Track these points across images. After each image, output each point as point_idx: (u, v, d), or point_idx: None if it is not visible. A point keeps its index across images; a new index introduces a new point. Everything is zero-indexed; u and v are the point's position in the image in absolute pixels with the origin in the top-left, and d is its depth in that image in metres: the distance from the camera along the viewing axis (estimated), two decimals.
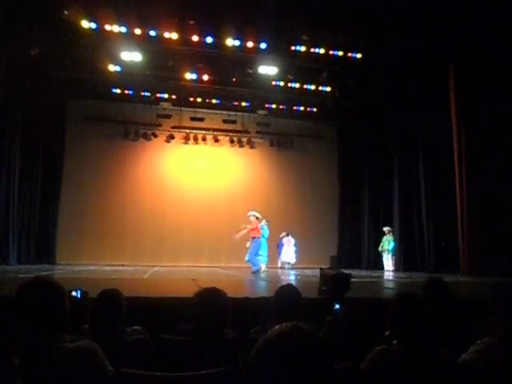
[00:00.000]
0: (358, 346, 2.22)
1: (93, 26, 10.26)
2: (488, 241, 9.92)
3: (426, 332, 1.98)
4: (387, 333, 2.43)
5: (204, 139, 14.99)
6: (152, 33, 10.57)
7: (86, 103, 13.84)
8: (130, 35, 10.59)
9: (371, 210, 14.49)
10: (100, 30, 10.38)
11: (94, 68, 11.85)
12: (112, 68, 12.00)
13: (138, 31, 10.49)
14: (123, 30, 10.43)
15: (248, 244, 10.68)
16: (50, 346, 1.63)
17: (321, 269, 5.19)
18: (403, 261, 12.60)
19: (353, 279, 4.88)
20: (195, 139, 14.92)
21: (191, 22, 10.38)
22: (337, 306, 2.86)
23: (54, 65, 11.63)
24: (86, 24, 10.17)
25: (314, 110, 14.78)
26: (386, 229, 13.07)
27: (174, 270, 11.33)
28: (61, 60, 11.41)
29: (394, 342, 2.11)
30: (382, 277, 10.67)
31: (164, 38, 10.66)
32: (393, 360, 1.91)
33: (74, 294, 2.88)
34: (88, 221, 13.65)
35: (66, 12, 9.88)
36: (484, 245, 9.90)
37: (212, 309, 2.47)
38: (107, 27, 10.34)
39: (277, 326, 0.96)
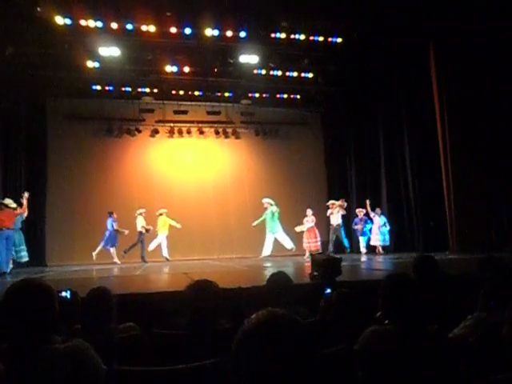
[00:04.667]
0: (351, 329, 2.24)
1: (67, 21, 10.01)
2: (475, 218, 10.08)
3: (416, 310, 2.00)
4: (379, 313, 2.45)
5: (189, 132, 14.86)
6: (129, 26, 10.37)
7: (66, 101, 13.55)
8: (106, 30, 10.36)
9: (359, 194, 14.56)
10: (75, 26, 10.13)
11: (72, 65, 11.59)
12: (90, 64, 11.76)
13: (114, 25, 10.27)
14: (99, 24, 10.19)
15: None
16: (40, 349, 1.61)
17: (311, 254, 5.23)
18: (393, 241, 12.76)
19: (343, 263, 4.91)
20: (180, 132, 14.78)
21: (168, 14, 10.20)
22: (328, 291, 2.88)
23: (30, 64, 11.33)
24: (60, 20, 9.93)
25: (298, 97, 14.71)
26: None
27: (166, 265, 11.30)
28: (37, 58, 11.13)
29: (386, 321, 2.13)
30: (372, 259, 10.77)
31: (141, 31, 10.46)
32: (385, 340, 1.93)
33: (63, 294, 2.85)
34: (76, 220, 13.48)
35: (38, 9, 9.61)
36: (471, 222, 10.05)
37: (204, 300, 2.47)
38: (82, 22, 10.09)
39: (253, 316, 0.95)
